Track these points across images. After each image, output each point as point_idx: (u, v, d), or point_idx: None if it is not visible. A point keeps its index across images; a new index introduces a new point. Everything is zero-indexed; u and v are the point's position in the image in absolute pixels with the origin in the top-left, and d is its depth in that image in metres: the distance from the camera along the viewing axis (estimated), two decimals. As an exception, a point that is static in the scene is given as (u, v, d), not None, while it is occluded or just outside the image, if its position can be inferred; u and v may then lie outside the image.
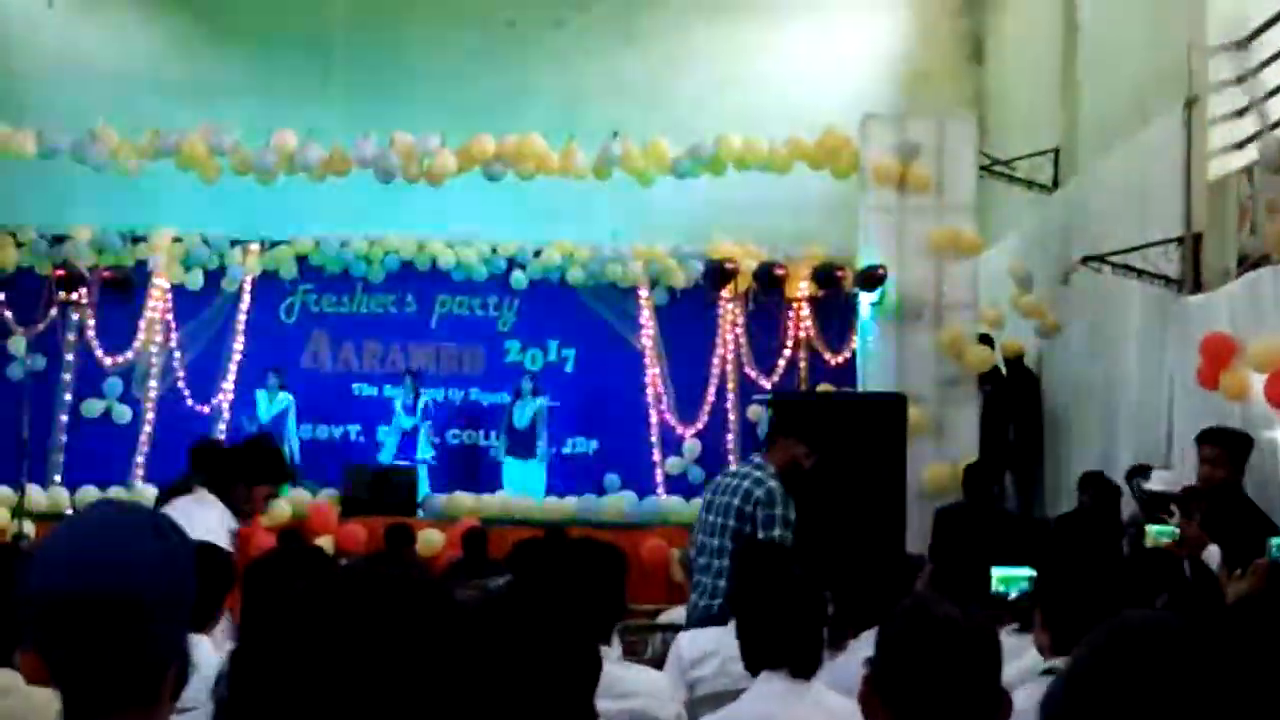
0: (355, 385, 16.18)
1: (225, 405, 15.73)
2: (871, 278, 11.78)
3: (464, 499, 13.65)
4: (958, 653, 2.39)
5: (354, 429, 16.09)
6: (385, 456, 15.29)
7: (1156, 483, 7.70)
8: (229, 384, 15.78)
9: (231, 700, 1.32)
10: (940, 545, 9.44)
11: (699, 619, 6.46)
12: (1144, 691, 1.54)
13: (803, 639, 3.79)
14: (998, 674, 2.44)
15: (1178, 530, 5.96)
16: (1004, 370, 12.28)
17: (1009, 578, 4.18)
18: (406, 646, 1.33)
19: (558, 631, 2.45)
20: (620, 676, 4.00)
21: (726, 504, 6.82)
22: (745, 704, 3.78)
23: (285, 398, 15.36)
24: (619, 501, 13.81)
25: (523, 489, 14.63)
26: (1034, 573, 4.13)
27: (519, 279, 16.03)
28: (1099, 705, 1.53)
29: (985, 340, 12.04)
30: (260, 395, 15.38)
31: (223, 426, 15.50)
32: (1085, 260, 10.04)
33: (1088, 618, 3.37)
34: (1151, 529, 5.87)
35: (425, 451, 15.25)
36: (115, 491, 13.19)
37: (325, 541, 11.81)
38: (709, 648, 4.86)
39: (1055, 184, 12.64)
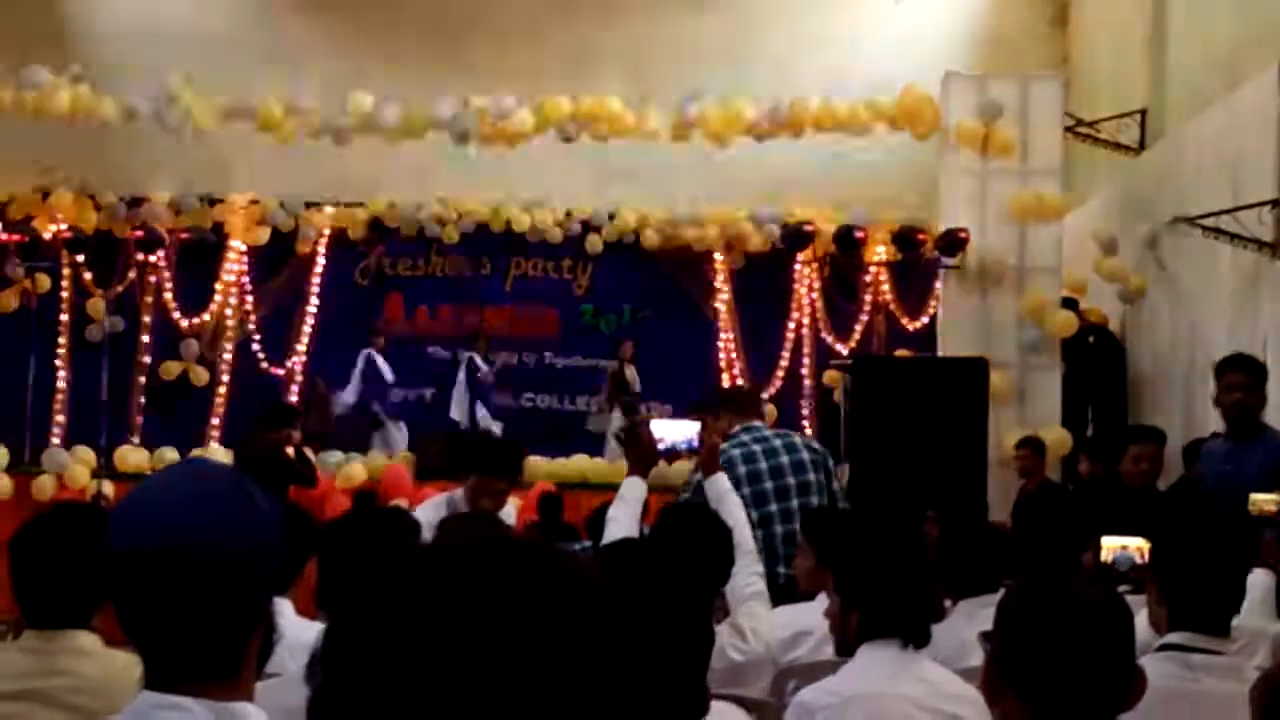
0: (429, 348, 16.14)
1: (299, 367, 15.77)
2: (953, 241, 11.59)
3: (539, 463, 13.58)
4: (1095, 631, 2.28)
5: (428, 391, 16.06)
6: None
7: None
8: (302, 346, 15.81)
9: (327, 687, 1.17)
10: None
11: (787, 590, 5.55)
12: None
13: (916, 608, 3.62)
14: (1133, 651, 2.34)
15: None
16: (1090, 337, 12.05)
17: (1121, 549, 4.01)
18: (534, 628, 1.14)
19: (675, 602, 2.36)
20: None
21: (797, 461, 6.16)
22: (850, 676, 3.59)
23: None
24: (690, 467, 13.62)
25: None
26: (1147, 544, 3.98)
27: (593, 242, 15.94)
28: None
29: (1070, 305, 11.81)
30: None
31: (295, 389, 15.55)
32: (1174, 222, 9.83)
33: (1210, 591, 3.26)
34: (1255, 495, 5.70)
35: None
36: (195, 453, 13.24)
37: (400, 505, 11.78)
38: (803, 626, 4.53)
39: (1142, 146, 12.37)
